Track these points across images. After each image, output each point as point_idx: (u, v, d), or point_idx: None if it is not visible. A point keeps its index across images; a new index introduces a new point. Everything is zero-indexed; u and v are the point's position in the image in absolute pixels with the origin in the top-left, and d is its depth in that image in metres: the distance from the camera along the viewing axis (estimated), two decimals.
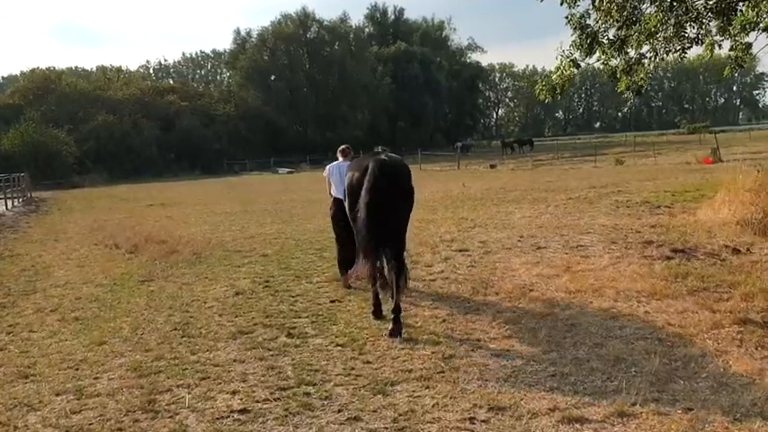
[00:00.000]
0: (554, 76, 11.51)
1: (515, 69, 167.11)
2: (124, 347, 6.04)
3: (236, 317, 6.97)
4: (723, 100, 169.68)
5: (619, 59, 11.12)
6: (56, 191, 41.33)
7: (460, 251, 10.38)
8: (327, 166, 8.78)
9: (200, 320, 6.91)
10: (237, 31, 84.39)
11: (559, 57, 11.34)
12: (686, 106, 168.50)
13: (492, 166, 41.73)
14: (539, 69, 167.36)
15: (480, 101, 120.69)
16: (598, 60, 11.32)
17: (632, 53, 10.78)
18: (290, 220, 16.56)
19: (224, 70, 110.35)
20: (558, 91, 11.47)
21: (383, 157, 6.69)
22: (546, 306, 6.81)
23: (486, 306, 6.94)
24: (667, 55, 9.56)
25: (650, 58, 9.71)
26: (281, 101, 77.59)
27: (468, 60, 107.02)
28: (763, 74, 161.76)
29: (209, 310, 7.35)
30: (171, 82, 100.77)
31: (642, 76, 10.00)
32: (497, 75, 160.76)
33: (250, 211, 19.92)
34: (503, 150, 65.50)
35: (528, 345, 5.51)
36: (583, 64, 11.32)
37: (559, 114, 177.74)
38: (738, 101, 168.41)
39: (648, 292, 7.22)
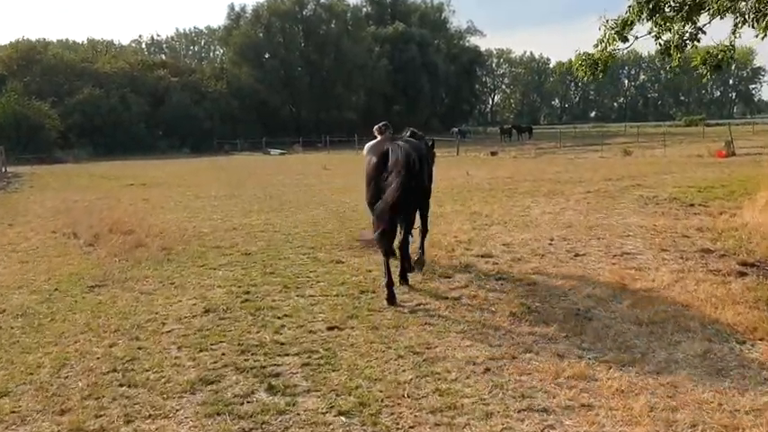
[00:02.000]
0: (595, 51, 9.76)
1: (512, 55, 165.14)
2: (32, 404, 4.22)
3: (201, 351, 5.17)
4: (719, 93, 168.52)
5: (672, 33, 9.37)
6: (36, 166, 39.18)
7: (483, 257, 8.62)
8: (366, 145, 8.42)
9: (151, 355, 5.10)
10: (231, 6, 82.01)
11: (602, 28, 9.59)
12: (682, 98, 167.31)
13: (493, 154, 39.99)
14: (536, 56, 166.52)
15: (477, 86, 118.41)
16: (649, 33, 9.57)
17: (699, 22, 9.03)
18: (280, 209, 14.74)
19: (217, 47, 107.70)
20: (601, 68, 9.72)
21: (402, 143, 6.88)
22: (620, 348, 5.06)
23: (537, 344, 5.18)
24: (759, 21, 7.77)
25: (736, 25, 7.90)
26: (274, 79, 75.19)
27: (467, 44, 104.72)
28: (759, 68, 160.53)
29: (166, 338, 5.53)
30: (163, 57, 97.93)
31: (723, 48, 8.20)
32: (494, 60, 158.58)
33: (236, 197, 18.07)
34: (501, 137, 63.74)
35: (624, 423, 3.74)
36: (631, 37, 9.55)
37: (555, 102, 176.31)
38: (734, 94, 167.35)
39: (745, 326, 5.50)
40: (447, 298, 6.59)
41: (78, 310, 6.48)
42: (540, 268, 7.89)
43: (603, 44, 9.54)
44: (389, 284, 6.55)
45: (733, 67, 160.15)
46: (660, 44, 9.34)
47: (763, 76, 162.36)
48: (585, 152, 39.30)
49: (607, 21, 9.39)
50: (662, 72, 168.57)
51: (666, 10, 8.47)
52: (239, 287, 7.25)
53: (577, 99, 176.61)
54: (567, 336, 5.37)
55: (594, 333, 5.40)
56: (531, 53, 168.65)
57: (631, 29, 9.46)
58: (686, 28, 9.41)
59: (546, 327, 5.58)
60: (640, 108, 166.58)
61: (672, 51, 9.28)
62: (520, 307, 6.19)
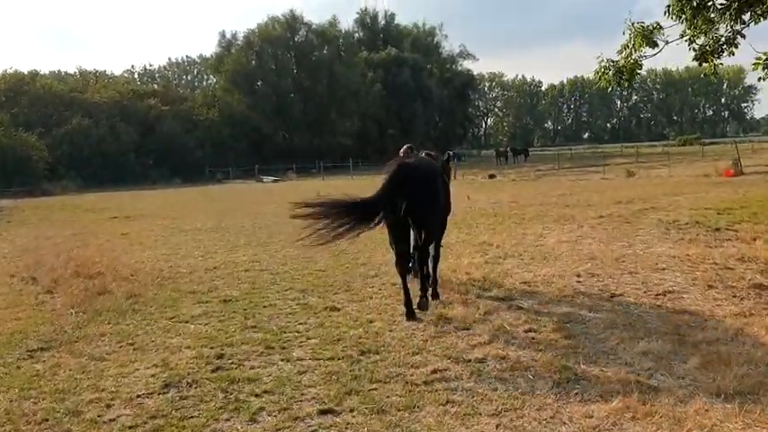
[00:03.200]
0: (620, 58, 8.60)
1: (505, 79, 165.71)
2: None
3: None
4: (711, 112, 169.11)
5: (709, 37, 8.25)
6: (22, 199, 37.88)
7: (503, 300, 7.33)
8: None
9: None
10: (223, 34, 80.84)
11: (628, 32, 8.44)
12: (675, 118, 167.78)
13: (491, 177, 38.93)
14: (528, 79, 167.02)
15: (470, 110, 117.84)
16: (682, 37, 8.42)
17: (735, 25, 7.89)
18: (269, 243, 13.46)
19: (210, 76, 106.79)
20: (626, 76, 8.56)
21: (403, 161, 7.03)
22: None
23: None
24: None
25: None
26: (267, 106, 74.14)
27: (459, 68, 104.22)
28: (751, 86, 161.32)
29: (105, 431, 4.22)
30: (155, 87, 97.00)
31: None
32: (487, 84, 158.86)
33: (223, 229, 16.79)
34: (497, 160, 62.89)
35: None
36: (660, 42, 8.40)
37: (548, 125, 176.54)
38: (726, 113, 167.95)
39: None
40: (469, 361, 5.28)
41: (5, 386, 5.14)
42: (574, 314, 6.62)
43: (629, 50, 8.39)
44: (407, 303, 6.79)
45: (725, 86, 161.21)
46: (695, 49, 8.20)
47: (755, 94, 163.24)
48: (586, 174, 38.26)
49: (633, 24, 8.25)
50: (654, 92, 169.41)
51: (711, 9, 7.33)
52: (212, 348, 5.93)
53: (570, 120, 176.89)
54: (634, 417, 4.07)
55: (670, 413, 4.10)
56: (523, 76, 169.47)
57: (661, 32, 8.32)
58: (722, 31, 8.31)
59: (604, 403, 4.28)
60: (633, 128, 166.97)
61: (708, 57, 8.13)
62: (563, 372, 4.90)
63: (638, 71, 8.36)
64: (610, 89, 8.57)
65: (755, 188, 21.38)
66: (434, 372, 5.04)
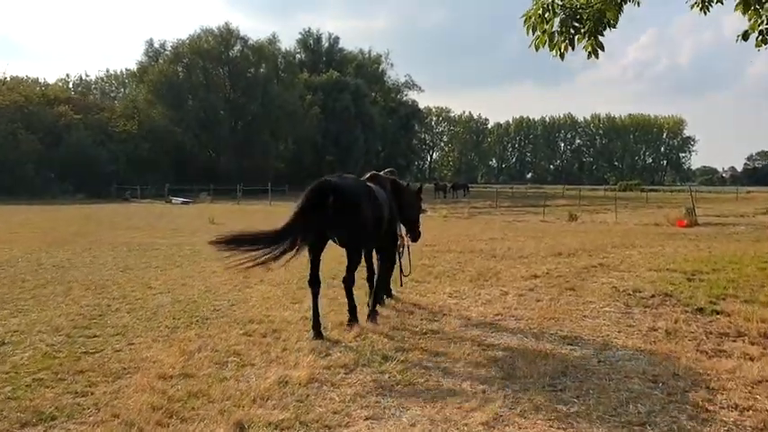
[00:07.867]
0: None
1: (451, 114, 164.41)
2: None
3: None
4: (651, 160, 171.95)
5: None
6: None
7: None
8: None
9: None
10: (150, 42, 75.18)
11: None
12: (616, 164, 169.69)
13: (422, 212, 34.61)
14: (475, 116, 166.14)
15: (415, 142, 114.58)
16: None
17: None
18: (9, 301, 8.55)
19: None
20: (586, 28, 4.14)
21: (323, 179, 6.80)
22: None
23: None
24: None
25: None
26: (192, 122, 68.52)
27: (405, 98, 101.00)
28: (689, 137, 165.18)
29: None
30: (71, 94, 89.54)
31: None
32: (434, 117, 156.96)
33: (7, 266, 11.81)
34: (435, 193, 59.31)
35: None
36: None
37: (493, 162, 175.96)
38: (665, 162, 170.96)
39: None
40: None
41: None
42: None
43: None
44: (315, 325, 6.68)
45: (665, 135, 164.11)
46: None
47: (693, 145, 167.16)
48: (525, 214, 34.45)
49: None
50: (597, 138, 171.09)
51: None
52: None
53: (514, 160, 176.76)
54: None
55: None
56: (470, 113, 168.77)
57: None
58: None
59: None
60: (575, 171, 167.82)
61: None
62: None
63: (613, 23, 4.02)
64: (553, 53, 4.15)
65: (717, 243, 17.61)
66: None
